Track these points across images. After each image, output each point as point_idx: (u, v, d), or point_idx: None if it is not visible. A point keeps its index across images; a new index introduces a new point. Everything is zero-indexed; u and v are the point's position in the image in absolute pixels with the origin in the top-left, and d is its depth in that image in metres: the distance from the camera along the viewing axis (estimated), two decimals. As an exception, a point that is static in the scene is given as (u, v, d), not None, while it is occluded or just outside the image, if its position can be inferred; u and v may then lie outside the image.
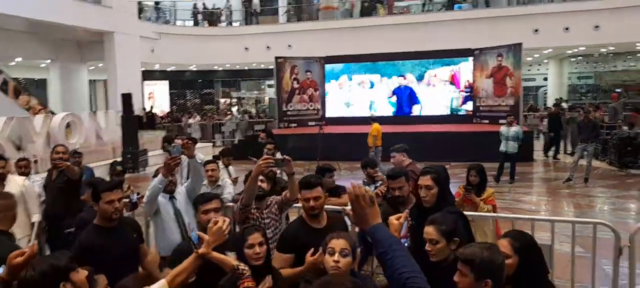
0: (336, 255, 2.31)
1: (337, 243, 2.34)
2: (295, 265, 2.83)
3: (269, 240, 3.25)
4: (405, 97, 17.30)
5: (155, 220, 3.99)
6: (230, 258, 2.51)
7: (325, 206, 4.32)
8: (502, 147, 10.57)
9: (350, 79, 17.73)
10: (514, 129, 10.49)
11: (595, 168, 11.36)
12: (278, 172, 4.90)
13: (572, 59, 24.62)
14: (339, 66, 17.75)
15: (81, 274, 2.11)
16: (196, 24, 21.45)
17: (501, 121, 15.24)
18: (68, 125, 13.01)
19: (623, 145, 11.74)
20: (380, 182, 5.15)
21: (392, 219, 2.31)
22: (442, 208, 2.89)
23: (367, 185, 5.20)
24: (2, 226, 2.93)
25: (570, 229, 3.85)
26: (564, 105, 18.98)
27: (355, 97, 17.64)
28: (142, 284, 2.29)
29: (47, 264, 2.06)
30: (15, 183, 4.92)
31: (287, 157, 3.44)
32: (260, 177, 3.51)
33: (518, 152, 10.60)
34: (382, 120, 16.62)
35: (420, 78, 17.15)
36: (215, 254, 2.45)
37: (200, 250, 2.43)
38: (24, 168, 5.94)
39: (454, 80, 16.88)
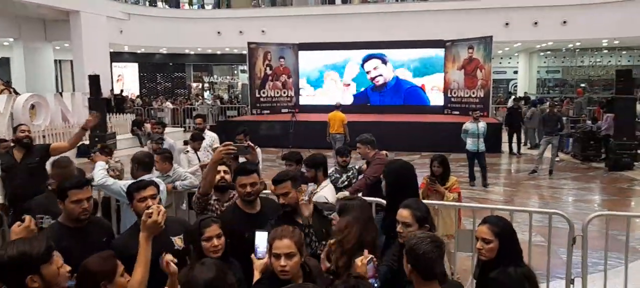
0: (282, 259, 2.22)
1: (282, 245, 2.24)
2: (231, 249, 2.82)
3: None
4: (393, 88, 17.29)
5: None
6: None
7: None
8: (471, 146, 9.26)
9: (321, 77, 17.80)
10: (482, 125, 9.29)
11: (560, 161, 11.70)
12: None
13: (541, 53, 25.19)
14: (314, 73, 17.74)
15: (54, 265, 1.97)
16: (154, 3, 21.02)
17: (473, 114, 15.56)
18: (33, 107, 12.64)
19: (586, 139, 12.11)
20: (351, 172, 5.16)
21: (357, 262, 2.32)
22: (396, 202, 2.89)
23: (339, 174, 5.18)
24: None
25: (530, 218, 3.97)
26: (531, 97, 19.42)
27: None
28: (104, 264, 2.20)
29: (18, 251, 1.90)
30: None
31: (250, 144, 3.36)
32: (224, 168, 3.39)
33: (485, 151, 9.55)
34: (352, 109, 16.81)
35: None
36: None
37: (141, 242, 2.35)
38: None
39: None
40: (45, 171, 5.05)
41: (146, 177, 3.95)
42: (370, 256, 2.33)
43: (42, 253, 1.92)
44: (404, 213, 2.57)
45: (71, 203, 2.72)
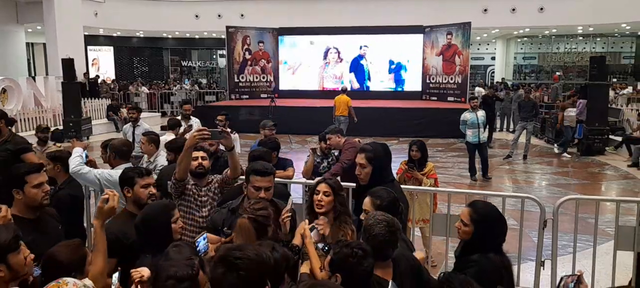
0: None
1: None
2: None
3: (204, 218, 3.16)
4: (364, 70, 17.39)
5: None
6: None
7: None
8: (472, 138, 8.49)
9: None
10: (482, 113, 8.64)
11: (534, 146, 11.92)
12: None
13: (518, 40, 25.50)
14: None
15: (21, 255, 1.93)
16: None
17: (450, 99, 15.68)
18: (4, 91, 12.33)
19: (560, 124, 12.33)
20: (331, 158, 5.18)
21: (300, 229, 2.53)
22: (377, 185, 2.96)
23: (320, 159, 5.19)
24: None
25: (503, 203, 4.05)
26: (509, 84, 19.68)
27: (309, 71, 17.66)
28: (73, 253, 2.12)
29: None
30: None
31: (225, 130, 3.32)
32: (202, 154, 3.35)
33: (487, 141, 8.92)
34: (330, 94, 16.81)
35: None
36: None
37: (98, 229, 2.35)
38: None
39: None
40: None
41: (123, 166, 3.84)
42: (313, 224, 2.61)
43: (9, 242, 1.88)
44: (366, 202, 2.63)
45: (33, 188, 2.55)
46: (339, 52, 17.39)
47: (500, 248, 2.47)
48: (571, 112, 11.44)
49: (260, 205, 2.44)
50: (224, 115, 6.70)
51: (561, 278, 2.18)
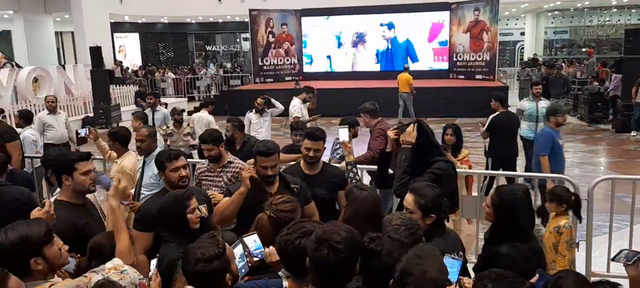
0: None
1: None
2: None
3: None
4: (402, 52, 17.11)
5: None
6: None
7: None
8: (526, 132, 6.76)
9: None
10: (544, 104, 6.59)
11: (566, 124, 11.56)
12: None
13: (549, 14, 24.70)
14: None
15: (55, 246, 1.99)
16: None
17: (478, 77, 15.34)
18: (36, 80, 12.63)
19: (593, 100, 11.95)
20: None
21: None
22: (429, 151, 3.00)
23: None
24: None
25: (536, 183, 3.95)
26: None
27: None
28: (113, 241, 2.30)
29: (19, 235, 1.90)
30: None
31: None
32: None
33: None
34: (362, 76, 16.68)
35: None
36: None
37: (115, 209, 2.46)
38: None
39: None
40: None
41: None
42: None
43: (43, 235, 1.93)
44: (408, 199, 2.44)
45: (81, 175, 2.67)
46: (365, 40, 17.18)
47: (527, 237, 2.44)
48: None
49: (286, 206, 2.36)
50: (263, 99, 6.94)
51: (621, 251, 2.12)
